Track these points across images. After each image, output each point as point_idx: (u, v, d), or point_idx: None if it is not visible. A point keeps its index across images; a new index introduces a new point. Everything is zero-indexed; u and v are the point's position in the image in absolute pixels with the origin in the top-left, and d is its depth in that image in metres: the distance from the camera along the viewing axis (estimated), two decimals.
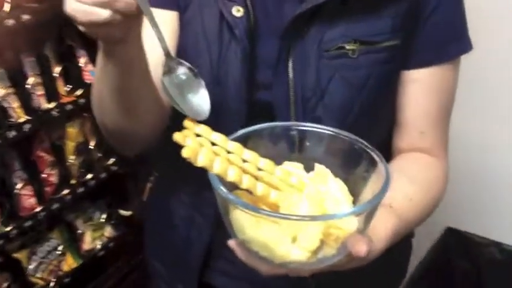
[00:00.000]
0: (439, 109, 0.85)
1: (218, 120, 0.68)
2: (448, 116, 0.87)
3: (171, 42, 0.79)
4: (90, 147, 1.63)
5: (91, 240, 1.82)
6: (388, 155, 0.86)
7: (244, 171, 0.62)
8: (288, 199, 0.63)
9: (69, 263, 1.72)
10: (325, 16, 0.75)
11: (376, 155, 0.64)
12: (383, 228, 0.71)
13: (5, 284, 1.48)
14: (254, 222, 0.60)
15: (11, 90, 1.35)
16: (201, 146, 0.60)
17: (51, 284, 1.61)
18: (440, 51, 0.82)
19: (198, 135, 0.62)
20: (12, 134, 1.34)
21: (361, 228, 0.62)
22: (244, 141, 0.64)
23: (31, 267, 1.58)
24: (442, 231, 1.65)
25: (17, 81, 1.36)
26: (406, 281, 1.52)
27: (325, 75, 0.76)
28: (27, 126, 1.37)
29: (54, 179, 1.55)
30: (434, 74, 0.83)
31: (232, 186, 0.62)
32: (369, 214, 0.61)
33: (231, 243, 0.64)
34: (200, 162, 0.58)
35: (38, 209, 1.49)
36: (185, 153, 0.56)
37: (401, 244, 0.97)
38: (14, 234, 1.43)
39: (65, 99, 1.48)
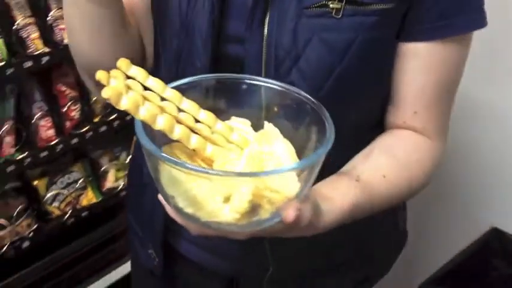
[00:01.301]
0: (437, 89, 0.75)
1: (183, 74, 0.64)
2: (449, 97, 0.78)
3: None
4: None
5: (114, 180, 1.85)
6: (380, 131, 0.80)
7: (179, 122, 0.58)
8: (225, 156, 0.59)
9: (89, 198, 1.76)
10: None
11: (323, 115, 0.59)
12: (339, 199, 0.66)
13: (20, 208, 1.53)
14: (183, 177, 0.57)
15: (31, 20, 1.35)
16: (129, 88, 0.56)
17: (67, 216, 1.65)
18: (444, 23, 0.72)
19: (130, 78, 0.58)
20: (28, 64, 1.34)
21: (298, 192, 0.57)
22: (186, 91, 0.60)
23: (48, 195, 1.63)
24: (485, 231, 1.54)
25: (38, 11, 1.36)
26: (430, 275, 1.43)
27: (303, 36, 0.69)
28: (45, 59, 1.38)
29: (75, 114, 1.57)
30: (435, 50, 0.73)
31: (167, 139, 0.58)
32: (306, 176, 0.56)
33: (160, 197, 0.61)
34: (123, 105, 0.54)
35: (56, 141, 1.52)
36: (105, 93, 0.53)
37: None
38: (28, 162, 1.47)
39: None
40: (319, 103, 0.60)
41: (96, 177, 1.80)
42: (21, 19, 1.34)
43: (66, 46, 1.41)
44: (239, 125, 0.62)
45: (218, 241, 0.66)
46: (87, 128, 1.60)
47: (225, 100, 0.62)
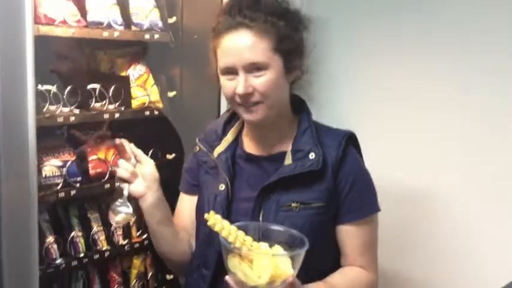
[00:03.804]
0: (365, 246, 1.51)
1: (205, 256, 1.45)
2: (373, 248, 1.53)
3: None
4: (148, 277, 2.26)
5: None
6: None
7: (237, 238, 1.27)
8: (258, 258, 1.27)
9: None
10: (281, 188, 1.43)
11: (305, 240, 1.29)
12: (314, 284, 1.35)
13: None
14: (238, 262, 1.24)
15: (101, 228, 2.06)
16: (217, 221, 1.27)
17: None
18: (357, 213, 1.49)
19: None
20: (96, 256, 2.01)
21: (293, 273, 1.25)
22: (241, 227, 1.31)
23: None
24: None
25: (106, 223, 2.07)
26: None
27: (280, 221, 1.40)
28: (107, 254, 2.05)
29: None
30: (358, 226, 1.49)
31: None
32: (294, 264, 1.25)
33: (227, 278, 1.26)
34: (215, 228, 1.25)
35: None
36: (209, 222, 1.25)
37: None
38: None
39: (135, 240, 2.16)
40: (302, 234, 1.31)
41: None
42: (95, 226, 2.04)
43: (120, 246, 2.08)
44: (263, 244, 1.31)
45: None
46: None
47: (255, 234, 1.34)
